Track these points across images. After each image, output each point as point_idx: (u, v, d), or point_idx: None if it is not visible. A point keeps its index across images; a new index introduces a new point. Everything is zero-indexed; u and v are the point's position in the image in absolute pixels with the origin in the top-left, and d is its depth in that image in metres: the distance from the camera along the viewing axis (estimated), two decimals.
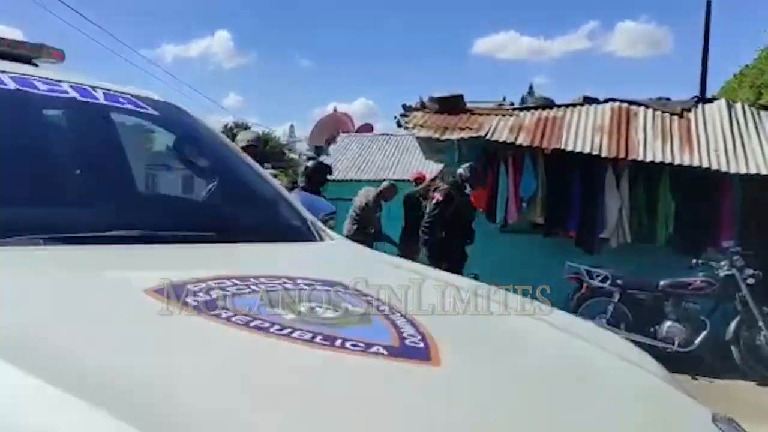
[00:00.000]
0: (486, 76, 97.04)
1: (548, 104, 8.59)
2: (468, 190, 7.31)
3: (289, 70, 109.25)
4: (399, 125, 8.28)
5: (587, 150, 7.50)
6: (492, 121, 8.16)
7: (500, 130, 7.93)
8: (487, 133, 7.83)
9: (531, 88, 49.56)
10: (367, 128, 24.11)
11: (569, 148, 7.57)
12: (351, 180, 14.39)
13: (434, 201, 7.15)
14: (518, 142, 7.68)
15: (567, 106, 8.45)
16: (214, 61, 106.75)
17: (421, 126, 8.07)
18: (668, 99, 8.40)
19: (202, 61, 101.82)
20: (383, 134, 17.52)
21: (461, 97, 8.63)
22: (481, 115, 8.46)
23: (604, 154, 7.45)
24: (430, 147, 10.97)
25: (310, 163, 7.17)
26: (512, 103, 8.99)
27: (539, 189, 7.93)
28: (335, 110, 25.94)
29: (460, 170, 7.26)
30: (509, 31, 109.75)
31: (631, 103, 8.30)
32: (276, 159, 60.55)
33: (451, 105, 8.55)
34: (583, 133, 7.82)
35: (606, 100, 8.43)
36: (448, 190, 7.16)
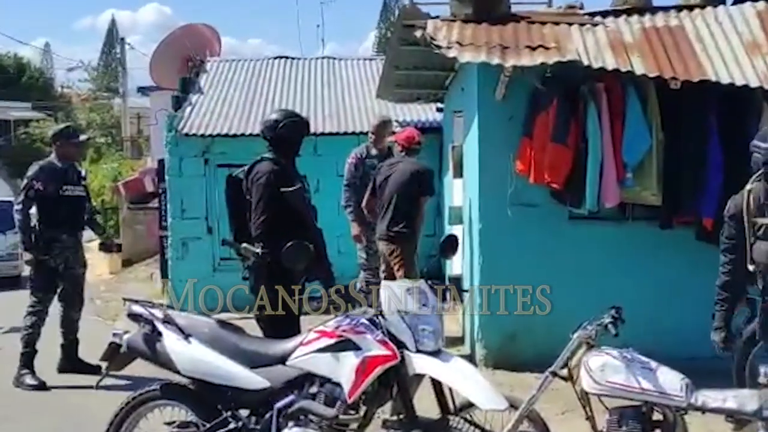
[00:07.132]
0: None
1: (645, 6, 5.36)
2: None
3: None
4: (427, 44, 4.80)
5: (753, 82, 4.39)
6: (573, 35, 4.87)
7: (595, 49, 4.67)
8: (579, 56, 4.55)
9: None
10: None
11: (723, 80, 4.42)
12: (248, 135, 7.55)
13: None
14: (638, 71, 4.46)
15: (678, 8, 5.26)
16: None
17: (462, 45, 4.65)
18: None
19: None
20: (279, 57, 10.31)
21: None
22: (544, 24, 5.13)
23: None
24: (400, 79, 7.08)
25: (274, 117, 4.01)
26: (582, 6, 5.63)
27: (654, 148, 4.78)
28: (182, 29, 13.96)
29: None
30: None
31: None
32: (41, 96, 33.36)
33: (489, 6, 5.17)
34: (731, 54, 4.67)
35: (737, 0, 5.29)
36: None
